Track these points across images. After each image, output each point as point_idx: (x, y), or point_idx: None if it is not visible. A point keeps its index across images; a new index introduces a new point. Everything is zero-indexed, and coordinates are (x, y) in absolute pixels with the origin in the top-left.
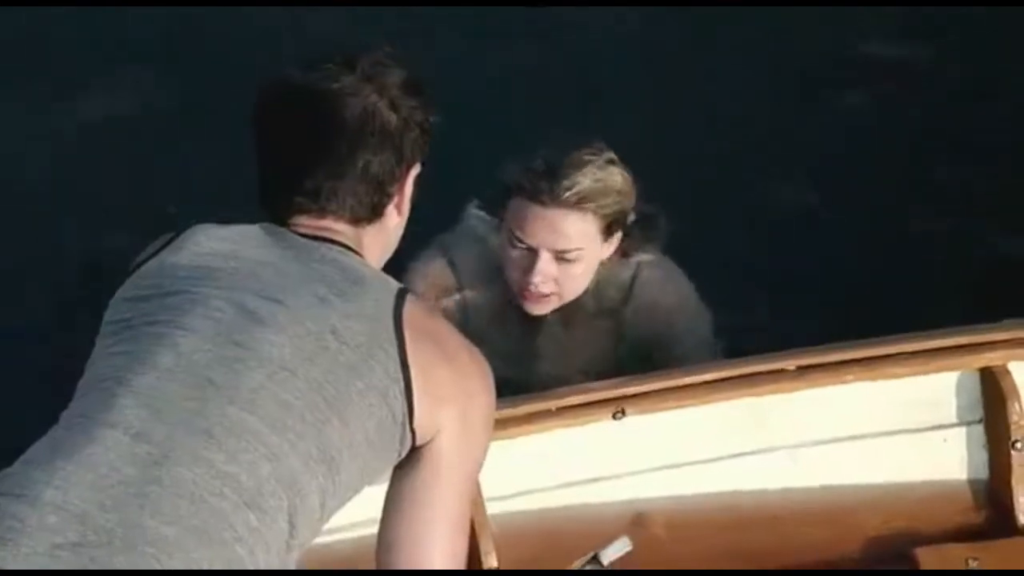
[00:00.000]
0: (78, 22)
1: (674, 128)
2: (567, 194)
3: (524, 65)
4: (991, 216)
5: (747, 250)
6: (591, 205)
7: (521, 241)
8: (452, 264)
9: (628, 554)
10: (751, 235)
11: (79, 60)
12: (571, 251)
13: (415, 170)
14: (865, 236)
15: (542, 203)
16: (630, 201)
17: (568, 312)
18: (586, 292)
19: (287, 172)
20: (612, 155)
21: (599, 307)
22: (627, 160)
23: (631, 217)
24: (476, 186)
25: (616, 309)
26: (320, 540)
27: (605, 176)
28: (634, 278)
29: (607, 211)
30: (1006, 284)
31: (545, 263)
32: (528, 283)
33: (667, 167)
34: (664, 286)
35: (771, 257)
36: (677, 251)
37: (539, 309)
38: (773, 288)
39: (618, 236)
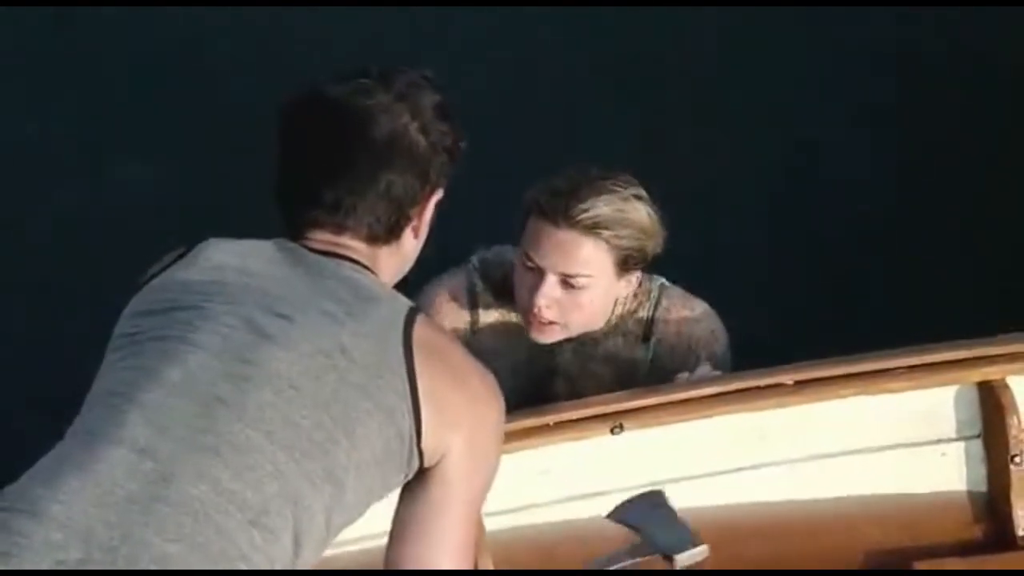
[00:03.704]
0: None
1: (672, 134)
2: (581, 216)
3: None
4: (990, 229)
5: (743, 263)
6: (606, 233)
7: (531, 260)
8: (474, 280)
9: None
10: (747, 248)
11: (67, 69)
12: (578, 277)
13: (437, 195)
14: (862, 250)
15: (555, 223)
16: (654, 243)
17: (584, 347)
18: (606, 326)
19: (310, 183)
20: (641, 191)
21: (618, 342)
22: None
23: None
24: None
25: (637, 340)
26: (326, 554)
27: (626, 207)
28: (655, 309)
29: (623, 243)
30: (1004, 298)
31: (550, 286)
32: (532, 305)
33: (661, 174)
34: (687, 315)
35: (767, 271)
36: (675, 264)
37: (543, 337)
38: (770, 302)
39: (636, 276)
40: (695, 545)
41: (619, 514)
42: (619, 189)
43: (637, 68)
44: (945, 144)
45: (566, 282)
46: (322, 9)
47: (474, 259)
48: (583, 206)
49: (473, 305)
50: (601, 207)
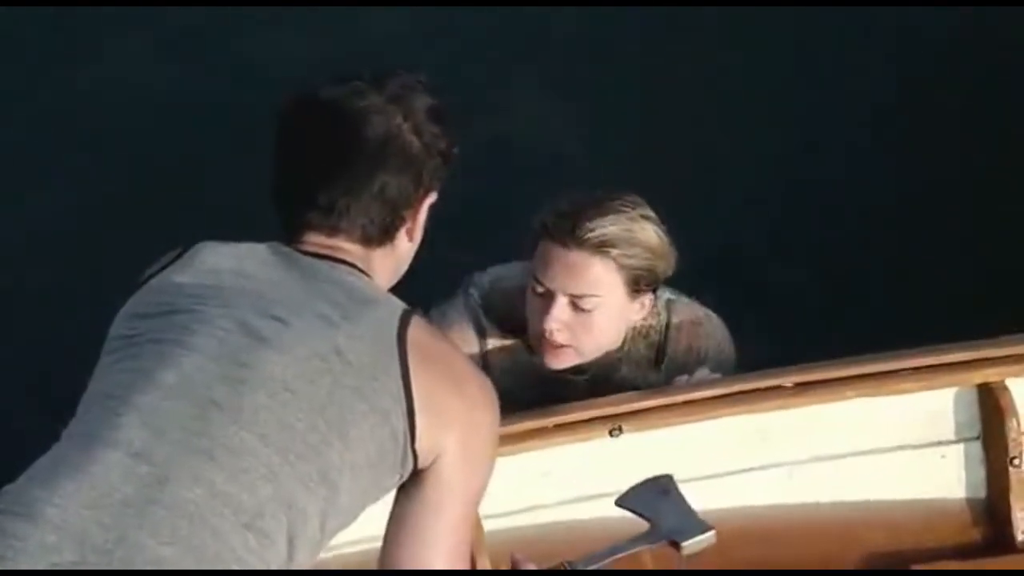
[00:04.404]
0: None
1: (673, 133)
2: (589, 235)
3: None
4: (990, 229)
5: (743, 263)
6: (614, 252)
7: (541, 284)
8: (479, 315)
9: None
10: (747, 248)
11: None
12: (588, 297)
13: (431, 198)
14: (862, 251)
15: (563, 244)
16: (664, 264)
17: (598, 381)
18: (618, 350)
19: (304, 184)
20: (648, 211)
21: (632, 369)
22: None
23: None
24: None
25: (651, 363)
26: (321, 556)
27: (634, 227)
28: (666, 327)
29: (632, 263)
30: (1004, 299)
31: (560, 309)
32: (542, 329)
33: (661, 173)
34: (698, 328)
35: (767, 271)
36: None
37: (556, 362)
38: (771, 302)
39: (649, 299)
40: (703, 531)
41: (626, 501)
42: (626, 209)
43: (638, 68)
44: (945, 144)
45: (576, 304)
46: (322, 9)
47: (473, 292)
48: (590, 225)
49: (483, 342)
50: (608, 226)
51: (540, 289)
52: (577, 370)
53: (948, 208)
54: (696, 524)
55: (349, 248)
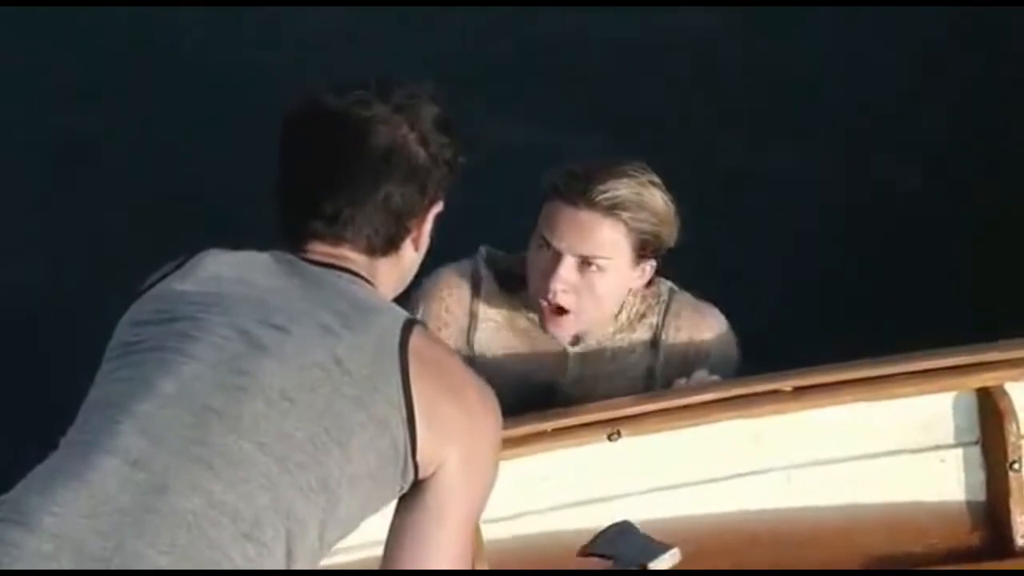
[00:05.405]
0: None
1: (672, 133)
2: (601, 197)
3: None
4: (989, 233)
5: (742, 268)
6: (625, 215)
7: (548, 243)
8: (479, 267)
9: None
10: (746, 253)
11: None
12: (596, 258)
13: (436, 208)
14: (862, 255)
15: (574, 204)
16: (669, 231)
17: (592, 353)
18: (614, 324)
19: (308, 193)
20: (656, 178)
21: (627, 342)
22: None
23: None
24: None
25: (647, 345)
26: (323, 562)
27: (644, 192)
28: (665, 314)
29: (641, 227)
30: (1003, 303)
31: (567, 269)
32: (547, 289)
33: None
34: (699, 320)
35: (767, 277)
36: (674, 266)
37: (557, 329)
38: (769, 306)
39: (650, 267)
40: (666, 551)
41: (590, 548)
42: (636, 174)
43: (638, 66)
44: (944, 148)
45: (583, 266)
46: (321, 9)
47: (481, 249)
48: (602, 187)
49: (475, 293)
50: (621, 189)
51: (547, 250)
52: (572, 344)
53: (947, 212)
54: (658, 548)
55: (354, 257)
